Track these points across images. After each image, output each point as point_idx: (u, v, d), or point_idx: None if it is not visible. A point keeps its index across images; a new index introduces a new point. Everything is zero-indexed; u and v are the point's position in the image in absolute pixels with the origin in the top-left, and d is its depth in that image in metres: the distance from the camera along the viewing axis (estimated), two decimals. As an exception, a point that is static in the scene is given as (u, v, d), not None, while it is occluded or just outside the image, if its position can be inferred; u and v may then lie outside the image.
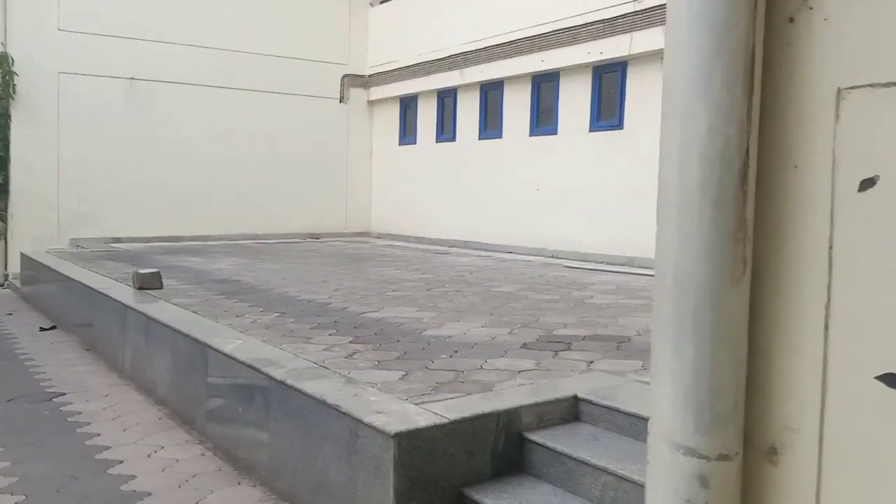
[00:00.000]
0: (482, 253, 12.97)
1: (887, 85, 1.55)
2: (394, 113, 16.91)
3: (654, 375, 2.02)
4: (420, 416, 3.41)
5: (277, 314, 6.36)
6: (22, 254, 11.84)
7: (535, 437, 3.56)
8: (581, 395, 3.81)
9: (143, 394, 6.10)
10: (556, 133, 12.74)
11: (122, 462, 4.61)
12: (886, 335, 1.58)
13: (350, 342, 5.22)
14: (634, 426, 3.53)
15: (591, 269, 10.37)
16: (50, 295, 9.74)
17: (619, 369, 4.47)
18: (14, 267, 12.65)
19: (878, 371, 1.59)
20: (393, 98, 16.75)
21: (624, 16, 11.14)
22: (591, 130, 12.06)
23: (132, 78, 14.15)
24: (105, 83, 13.89)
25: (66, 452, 4.78)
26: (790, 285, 1.75)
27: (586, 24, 11.73)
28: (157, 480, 4.32)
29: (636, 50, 10.98)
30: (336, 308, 6.71)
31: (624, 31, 11.17)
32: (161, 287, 7.60)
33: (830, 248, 1.67)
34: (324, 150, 16.64)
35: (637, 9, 10.95)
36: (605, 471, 3.22)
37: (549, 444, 3.49)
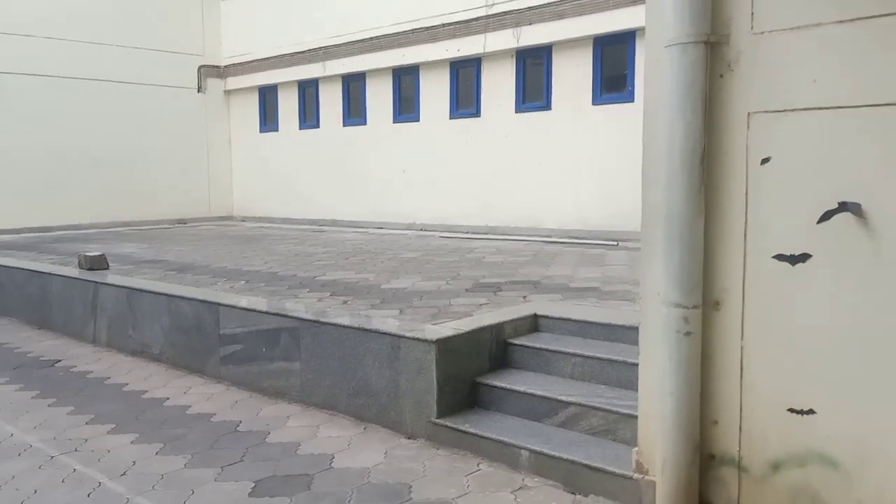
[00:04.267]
0: (357, 230, 14.18)
1: (774, 111, 3.12)
2: (253, 102, 17.53)
3: (647, 269, 3.52)
4: (445, 330, 4.76)
5: (244, 281, 7.33)
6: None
7: (516, 341, 5.02)
8: (539, 312, 5.31)
9: (132, 356, 6.88)
10: (418, 120, 14.14)
11: (168, 398, 5.55)
12: (775, 237, 3.15)
13: (331, 295, 6.39)
14: (581, 329, 5.09)
15: (463, 238, 11.94)
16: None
17: (548, 299, 6.01)
18: None
19: (773, 253, 3.17)
20: (251, 88, 17.37)
21: (478, 18, 12.72)
22: (451, 118, 13.58)
23: (-6, 70, 13.87)
24: (-35, 74, 13.54)
25: (115, 396, 5.62)
26: (724, 216, 3.32)
27: (444, 25, 13.20)
28: (210, 406, 5.33)
29: (490, 49, 12.60)
30: (287, 275, 7.76)
31: (479, 32, 12.76)
32: (108, 268, 8.21)
33: (746, 194, 3.25)
34: (185, 139, 17.06)
35: (490, 13, 12.56)
36: (574, 354, 4.75)
37: (529, 344, 4.96)
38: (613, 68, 11.31)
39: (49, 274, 8.11)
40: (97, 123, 15.33)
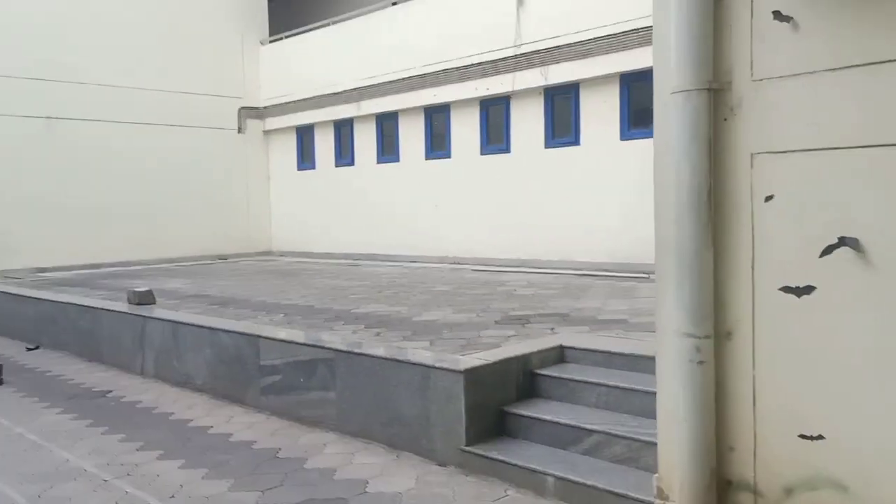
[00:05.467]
0: (391, 263, 14.44)
1: (776, 152, 3.30)
2: (291, 141, 18.02)
3: (661, 301, 3.69)
4: (472, 360, 4.96)
5: (282, 315, 7.62)
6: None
7: (543, 371, 5.19)
8: (565, 344, 5.49)
9: (177, 387, 7.18)
10: (450, 157, 14.45)
11: (212, 427, 5.81)
12: (781, 270, 3.31)
13: (365, 328, 6.64)
14: (606, 360, 5.25)
15: (495, 271, 12.13)
16: (21, 320, 10.26)
17: (575, 331, 6.18)
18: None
19: (779, 285, 3.33)
20: (289, 128, 17.87)
21: (506, 58, 13.05)
22: (482, 154, 13.86)
23: (48, 117, 14.56)
24: (23, 122, 14.25)
25: (162, 425, 5.91)
26: (732, 250, 3.49)
27: (474, 65, 13.54)
28: (251, 434, 5.58)
29: (518, 87, 12.90)
30: (322, 308, 8.03)
31: (507, 71, 13.07)
32: (154, 302, 8.56)
33: (752, 230, 3.42)
34: (226, 177, 17.56)
35: (518, 52, 12.88)
36: (598, 384, 4.91)
37: (555, 374, 5.14)
38: (640, 104, 11.51)
39: (100, 309, 8.50)
40: (143, 164, 15.92)
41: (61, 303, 9.32)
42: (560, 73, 12.21)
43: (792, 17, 3.09)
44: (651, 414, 4.68)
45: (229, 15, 17.61)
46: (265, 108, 18.24)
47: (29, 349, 9.44)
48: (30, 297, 10.06)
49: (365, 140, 16.08)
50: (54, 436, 5.75)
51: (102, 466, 5.00)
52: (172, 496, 4.44)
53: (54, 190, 14.54)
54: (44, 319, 9.72)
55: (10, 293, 10.71)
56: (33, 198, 14.19)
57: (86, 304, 8.89)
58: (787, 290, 3.31)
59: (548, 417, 4.82)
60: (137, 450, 5.32)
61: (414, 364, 5.06)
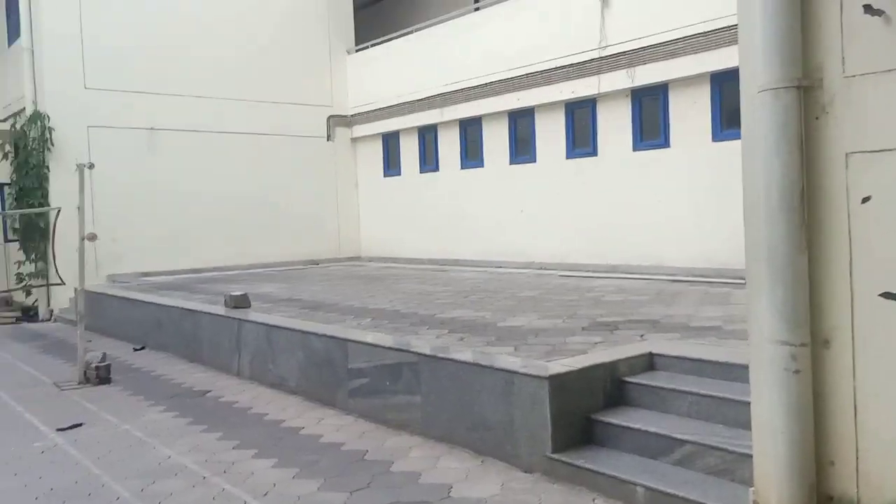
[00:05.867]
0: (476, 269, 14.46)
1: (872, 151, 3.16)
2: (377, 148, 18.33)
3: (753, 306, 3.57)
4: (557, 367, 4.93)
5: (370, 319, 7.78)
6: (83, 290, 12.71)
7: (631, 379, 5.11)
8: (654, 351, 5.38)
9: (271, 388, 7.43)
10: (535, 161, 14.37)
11: (303, 428, 6.00)
12: (882, 275, 3.16)
13: (449, 332, 6.70)
14: (698, 368, 5.11)
15: (583, 276, 11.97)
16: (128, 322, 10.87)
17: (666, 338, 6.04)
18: (59, 303, 13.78)
19: (880, 291, 3.17)
20: (375, 135, 18.17)
21: (591, 61, 12.89)
22: (567, 158, 13.73)
23: (151, 128, 15.35)
24: (127, 133, 15.08)
25: (257, 425, 6.13)
26: (828, 254, 3.34)
27: (558, 68, 13.44)
28: (340, 436, 5.72)
29: (604, 89, 12.72)
30: (408, 313, 8.14)
31: (593, 74, 12.91)
32: (250, 306, 8.89)
33: (849, 232, 3.28)
34: (316, 184, 18.03)
35: (603, 55, 12.71)
36: (690, 392, 4.79)
37: (645, 382, 5.05)
38: (733, 104, 11.13)
39: (200, 312, 8.90)
40: (238, 173, 16.56)
41: (166, 306, 9.82)
42: (647, 74, 11.97)
43: (883, 11, 2.95)
44: (746, 424, 4.51)
45: (318, 26, 18.09)
46: (352, 115, 18.63)
47: (135, 350, 10.00)
48: (137, 301, 10.64)
49: (449, 146, 16.18)
50: (157, 433, 6.06)
51: (201, 463, 5.23)
52: (266, 494, 4.61)
53: (156, 198, 15.31)
54: (150, 322, 10.25)
55: (119, 297, 11.36)
56: (137, 205, 15.00)
57: (188, 307, 9.33)
58: (888, 296, 3.15)
59: (637, 426, 4.73)
60: (233, 448, 5.55)
61: (498, 369, 5.07)
